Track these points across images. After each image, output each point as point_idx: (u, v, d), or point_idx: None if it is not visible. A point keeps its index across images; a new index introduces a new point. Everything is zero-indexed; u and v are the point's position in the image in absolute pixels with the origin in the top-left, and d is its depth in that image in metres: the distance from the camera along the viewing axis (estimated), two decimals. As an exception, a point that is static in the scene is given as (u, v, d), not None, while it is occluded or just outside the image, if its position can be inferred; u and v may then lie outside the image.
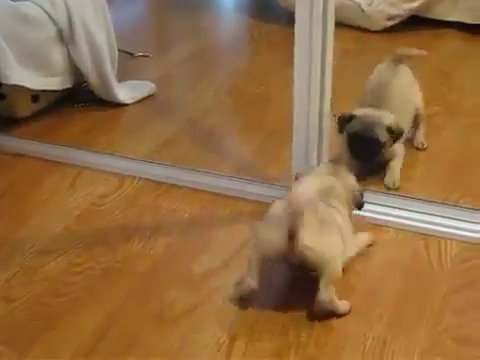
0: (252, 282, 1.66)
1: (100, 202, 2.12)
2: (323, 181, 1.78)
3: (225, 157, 2.33)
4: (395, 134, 2.14)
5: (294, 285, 1.74)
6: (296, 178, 1.86)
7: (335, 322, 1.66)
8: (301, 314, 1.67)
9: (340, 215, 1.73)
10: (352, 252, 1.79)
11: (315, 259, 1.61)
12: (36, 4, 2.47)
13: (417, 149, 2.37)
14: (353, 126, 2.15)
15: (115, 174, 2.24)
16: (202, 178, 2.18)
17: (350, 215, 1.81)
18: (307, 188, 1.74)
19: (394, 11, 3.27)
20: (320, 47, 1.91)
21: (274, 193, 2.08)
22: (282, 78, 2.48)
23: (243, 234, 1.93)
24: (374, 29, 3.29)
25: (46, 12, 2.48)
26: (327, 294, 1.62)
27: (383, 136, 2.13)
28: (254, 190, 2.12)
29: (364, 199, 1.84)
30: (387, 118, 2.15)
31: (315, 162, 2.04)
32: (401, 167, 2.20)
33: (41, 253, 1.90)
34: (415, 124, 2.38)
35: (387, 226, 1.98)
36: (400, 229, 1.97)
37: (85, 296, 1.76)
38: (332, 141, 2.15)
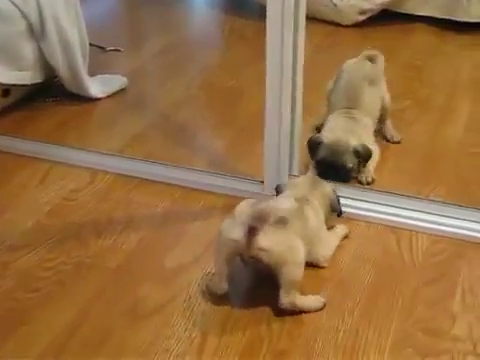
0: (222, 284, 1.67)
1: (72, 197, 2.11)
2: (298, 191, 1.82)
3: (197, 151, 2.33)
4: (363, 157, 2.15)
5: (265, 279, 1.74)
6: (276, 190, 1.91)
7: (307, 315, 1.67)
8: (273, 308, 1.67)
9: (313, 222, 1.76)
10: (328, 253, 1.83)
11: (271, 262, 1.61)
12: (6, -2, 2.45)
13: (391, 142, 2.39)
14: (321, 153, 2.16)
15: (87, 169, 2.23)
16: (174, 173, 2.18)
17: (327, 222, 1.87)
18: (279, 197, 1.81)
19: (366, 5, 3.28)
20: (291, 41, 1.91)
21: (246, 187, 2.09)
22: (254, 72, 2.49)
23: (215, 228, 1.91)
24: (345, 23, 3.30)
25: (16, 6, 2.45)
26: (287, 299, 1.63)
27: (351, 161, 2.14)
28: (226, 184, 2.12)
29: (338, 204, 1.90)
30: (354, 142, 2.15)
31: (287, 156, 2.05)
32: (375, 165, 2.22)
33: (12, 248, 1.89)
34: (383, 118, 2.40)
35: (359, 220, 2.00)
36: (372, 223, 1.99)
37: (57, 291, 1.75)
38: (304, 135, 2.16)
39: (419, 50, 3.09)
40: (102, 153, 2.29)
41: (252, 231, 1.59)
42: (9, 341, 1.60)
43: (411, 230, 1.95)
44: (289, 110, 2.00)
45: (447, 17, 3.23)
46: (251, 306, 1.69)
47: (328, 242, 1.85)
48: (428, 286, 1.77)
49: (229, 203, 1.98)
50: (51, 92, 2.66)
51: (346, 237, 1.92)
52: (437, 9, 3.26)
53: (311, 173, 2.01)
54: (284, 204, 1.73)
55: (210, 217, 2.01)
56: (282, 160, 2.04)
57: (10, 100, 2.56)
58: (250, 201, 1.69)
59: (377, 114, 2.36)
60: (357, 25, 3.28)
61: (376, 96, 2.34)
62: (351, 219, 1.99)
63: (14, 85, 2.52)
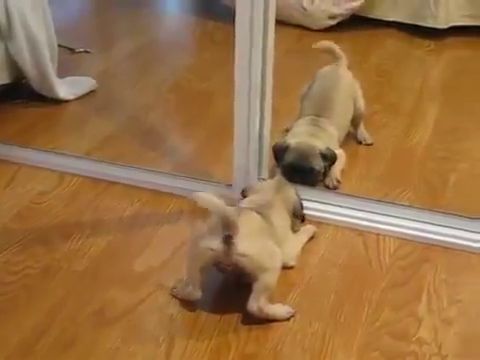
0: (196, 292, 1.68)
1: (39, 199, 2.09)
2: (262, 196, 1.84)
3: (166, 154, 2.33)
4: (329, 160, 2.16)
5: (233, 284, 1.74)
6: (243, 194, 1.91)
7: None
8: (241, 313, 1.68)
9: (278, 226, 1.77)
10: (295, 252, 1.84)
11: (251, 267, 1.62)
12: (-29, -3, 2.42)
13: (363, 144, 2.41)
14: (288, 157, 2.16)
15: (55, 171, 2.22)
16: (143, 176, 2.17)
17: (291, 226, 1.88)
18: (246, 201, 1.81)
19: (336, 10, 3.29)
20: (261, 45, 1.92)
21: (215, 191, 2.08)
22: (225, 76, 2.47)
23: (184, 232, 1.93)
24: (316, 28, 3.31)
25: (-17, 6, 2.43)
26: (256, 304, 1.63)
27: (318, 165, 2.14)
28: (195, 188, 2.09)
29: (301, 210, 1.90)
30: (320, 146, 2.17)
31: (256, 160, 2.05)
32: (341, 168, 2.23)
33: (-22, 252, 1.87)
34: (357, 122, 2.41)
35: (327, 223, 2.01)
36: (339, 226, 2.00)
37: (24, 295, 1.73)
38: (274, 139, 2.17)
39: (388, 55, 3.11)
40: (70, 155, 2.28)
41: (228, 239, 1.59)
42: (-26, 345, 1.59)
43: (378, 233, 1.97)
44: (258, 114, 2.00)
45: (416, 23, 3.26)
46: (219, 311, 1.69)
47: (294, 242, 1.86)
48: (395, 289, 1.78)
49: (197, 207, 1.96)
50: (19, 94, 2.64)
51: (312, 237, 1.93)
52: (406, 15, 3.28)
53: (278, 177, 2.00)
54: (251, 211, 1.73)
55: (179, 220, 2.01)
56: (251, 164, 2.04)
57: (-23, 101, 2.54)
58: (215, 202, 1.63)
59: (348, 121, 2.37)
60: (327, 30, 3.29)
61: (348, 104, 2.36)
62: (319, 222, 2.00)
63: (-19, 86, 2.50)
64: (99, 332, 1.63)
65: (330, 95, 2.33)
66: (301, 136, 2.21)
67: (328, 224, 2.00)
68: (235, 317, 1.68)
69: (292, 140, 2.19)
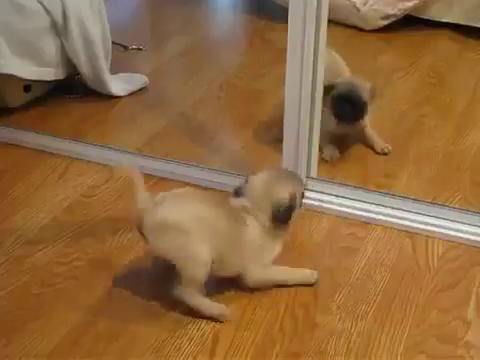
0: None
1: (90, 193, 2.12)
2: (249, 197, 1.73)
3: (216, 151, 2.34)
4: (373, 97, 2.32)
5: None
6: (236, 193, 1.77)
7: (319, 318, 1.67)
8: (287, 310, 1.67)
9: (250, 235, 1.68)
10: (260, 278, 1.73)
11: (166, 258, 1.64)
12: (31, -6, 2.47)
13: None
14: (339, 89, 2.28)
15: (105, 166, 2.24)
16: (192, 172, 2.18)
17: (276, 230, 1.72)
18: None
19: (389, 10, 3.26)
20: (313, 45, 1.91)
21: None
22: (275, 74, 2.49)
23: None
24: (368, 28, 3.29)
25: (40, 3, 2.47)
26: (177, 291, 1.65)
27: (366, 97, 2.28)
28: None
29: (286, 214, 1.70)
30: (367, 84, 2.31)
31: (305, 158, 2.04)
32: None
33: (29, 243, 1.90)
34: None
35: (375, 224, 1.99)
36: (388, 227, 1.98)
37: (71, 287, 1.76)
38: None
39: (441, 57, 3.07)
40: (121, 150, 2.30)
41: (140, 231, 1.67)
42: (22, 335, 1.61)
43: (427, 236, 1.95)
44: (308, 113, 2.00)
45: (471, 24, 3.21)
46: (265, 308, 1.70)
47: (267, 268, 1.72)
48: (442, 292, 1.76)
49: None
50: (73, 89, 2.68)
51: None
52: (461, 16, 3.24)
53: (274, 170, 1.82)
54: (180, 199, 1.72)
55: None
56: (300, 162, 2.04)
57: (31, 95, 2.58)
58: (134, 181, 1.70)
59: None
60: (379, 30, 3.27)
61: None
62: (367, 223, 1.99)
63: (36, 81, 2.54)
64: (145, 325, 1.65)
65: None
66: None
67: (376, 225, 1.99)
68: (281, 314, 1.68)
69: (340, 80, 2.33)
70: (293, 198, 1.71)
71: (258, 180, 1.75)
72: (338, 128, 2.32)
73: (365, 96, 2.28)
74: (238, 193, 1.76)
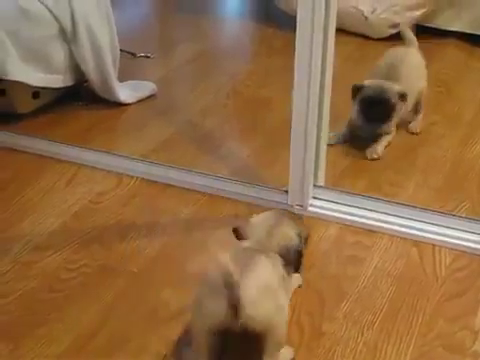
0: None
1: (97, 200, 2.13)
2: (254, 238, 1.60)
3: (223, 159, 2.34)
4: (404, 99, 2.36)
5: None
6: (236, 234, 1.64)
7: (325, 326, 1.67)
8: (293, 321, 1.67)
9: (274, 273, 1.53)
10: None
11: (260, 329, 1.45)
12: (39, 1, 2.48)
13: (411, 133, 2.51)
14: (366, 91, 2.35)
15: (113, 172, 2.25)
16: (199, 179, 2.19)
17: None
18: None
19: (397, 19, 3.27)
20: (321, 53, 1.92)
21: (270, 197, 2.09)
22: (282, 82, 2.49)
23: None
24: (376, 37, 3.29)
25: (49, 9, 2.48)
26: None
27: (394, 99, 2.33)
28: (250, 193, 2.12)
29: (298, 257, 1.60)
30: (396, 85, 2.36)
31: (312, 167, 2.05)
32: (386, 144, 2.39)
33: (37, 249, 1.91)
34: (416, 109, 2.53)
35: (382, 232, 1.99)
36: (394, 236, 1.98)
37: (79, 293, 1.76)
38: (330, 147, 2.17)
39: (448, 65, 3.07)
40: (129, 157, 2.31)
41: (234, 301, 1.39)
42: (30, 340, 1.62)
43: (434, 245, 1.95)
44: (316, 121, 2.00)
45: (478, 33, 3.21)
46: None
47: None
48: (450, 301, 1.76)
49: (252, 212, 1.98)
50: (81, 96, 2.69)
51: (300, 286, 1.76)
52: (468, 25, 3.24)
53: (276, 211, 1.72)
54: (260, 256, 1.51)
55: (233, 225, 2.02)
56: (307, 171, 2.04)
57: (40, 102, 2.59)
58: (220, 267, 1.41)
59: (412, 98, 2.47)
60: (387, 38, 3.27)
61: (413, 81, 2.48)
62: (373, 232, 1.99)
63: (44, 88, 2.55)
64: (152, 332, 1.65)
65: (396, 69, 2.44)
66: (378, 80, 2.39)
67: (383, 233, 1.99)
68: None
69: (369, 81, 2.38)
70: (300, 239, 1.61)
71: (260, 220, 1.65)
72: (365, 128, 2.38)
73: (393, 98, 2.33)
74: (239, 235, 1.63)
